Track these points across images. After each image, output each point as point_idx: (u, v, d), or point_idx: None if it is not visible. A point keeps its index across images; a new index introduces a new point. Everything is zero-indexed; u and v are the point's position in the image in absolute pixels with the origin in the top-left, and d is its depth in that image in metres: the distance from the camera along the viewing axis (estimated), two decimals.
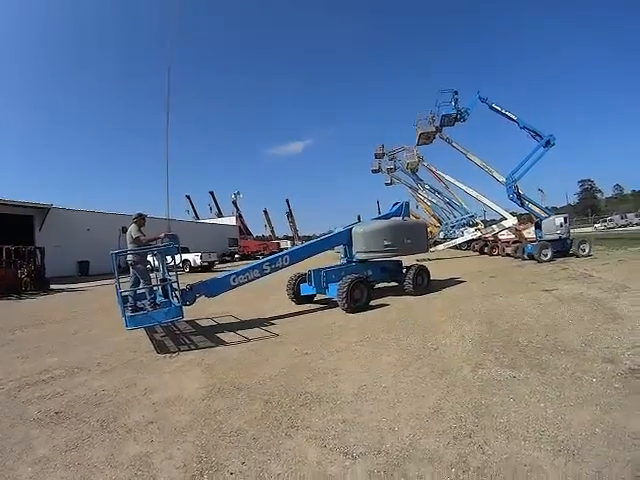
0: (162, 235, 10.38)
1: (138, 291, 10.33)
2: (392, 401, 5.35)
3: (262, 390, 6.11)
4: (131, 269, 10.24)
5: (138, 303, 10.22)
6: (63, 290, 25.13)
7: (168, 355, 8.52)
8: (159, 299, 10.62)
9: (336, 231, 14.84)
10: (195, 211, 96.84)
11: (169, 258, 11.03)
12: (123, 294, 9.56)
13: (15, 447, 4.73)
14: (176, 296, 9.92)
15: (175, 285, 9.86)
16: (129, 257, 10.08)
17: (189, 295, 10.33)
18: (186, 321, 11.57)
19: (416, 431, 4.46)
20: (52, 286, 25.72)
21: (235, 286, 11.56)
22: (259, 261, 12.44)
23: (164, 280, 10.76)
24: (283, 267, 12.38)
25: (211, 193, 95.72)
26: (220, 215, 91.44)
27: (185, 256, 35.04)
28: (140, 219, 10.34)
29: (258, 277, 11.95)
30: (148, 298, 10.08)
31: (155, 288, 10.79)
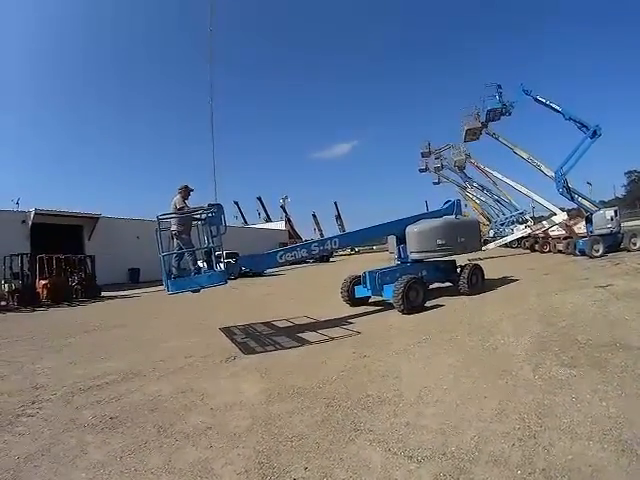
0: (206, 205, 10.35)
1: (182, 265, 10.39)
2: (454, 403, 5.33)
3: (322, 393, 6.14)
4: (175, 240, 10.34)
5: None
6: (114, 297, 25.68)
7: (224, 359, 8.59)
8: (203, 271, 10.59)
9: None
10: (244, 217, 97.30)
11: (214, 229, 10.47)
12: (166, 259, 9.79)
13: (69, 452, 4.78)
14: (220, 267, 10.05)
15: (219, 255, 9.98)
16: (173, 227, 10.21)
17: (235, 267, 10.40)
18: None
19: (480, 433, 4.43)
20: (103, 293, 26.27)
21: (282, 263, 11.76)
22: (308, 242, 12.46)
23: (209, 251, 10.47)
24: (332, 250, 12.51)
25: (259, 198, 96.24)
26: (269, 220, 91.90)
27: None
28: (185, 190, 10.47)
29: (305, 257, 12.19)
30: (192, 269, 10.19)
31: (199, 260, 10.80)
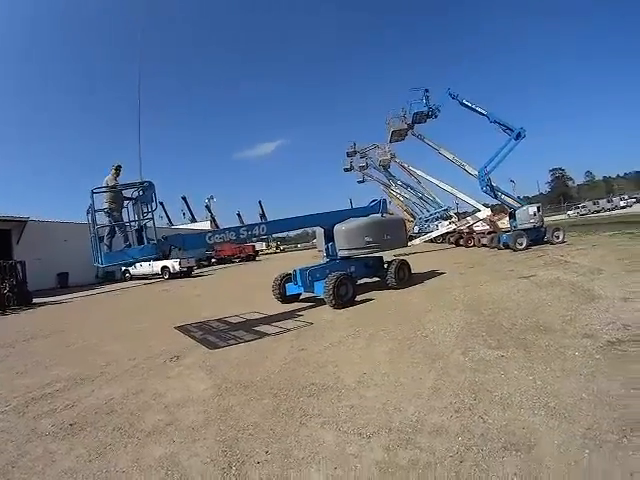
0: (137, 182, 10.53)
1: (112, 244, 10.51)
2: (393, 385, 5.70)
3: (268, 385, 6.35)
4: (107, 218, 10.49)
5: None
6: (46, 303, 24.96)
7: (168, 359, 8.67)
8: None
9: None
10: (169, 217, 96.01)
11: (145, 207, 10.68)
12: (99, 235, 9.98)
13: (38, 462, 4.74)
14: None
15: (151, 234, 10.14)
16: (105, 205, 10.35)
17: (165, 245, 10.43)
18: (198, 322, 12.45)
19: (420, 409, 4.81)
20: (34, 300, 25.46)
21: (211, 245, 12.40)
22: (237, 225, 12.73)
23: (140, 229, 10.56)
24: (260, 235, 12.73)
25: (184, 198, 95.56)
26: (194, 220, 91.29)
27: (164, 262, 34.98)
28: (116, 169, 10.73)
29: (234, 239, 12.20)
30: (123, 246, 10.38)
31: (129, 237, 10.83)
